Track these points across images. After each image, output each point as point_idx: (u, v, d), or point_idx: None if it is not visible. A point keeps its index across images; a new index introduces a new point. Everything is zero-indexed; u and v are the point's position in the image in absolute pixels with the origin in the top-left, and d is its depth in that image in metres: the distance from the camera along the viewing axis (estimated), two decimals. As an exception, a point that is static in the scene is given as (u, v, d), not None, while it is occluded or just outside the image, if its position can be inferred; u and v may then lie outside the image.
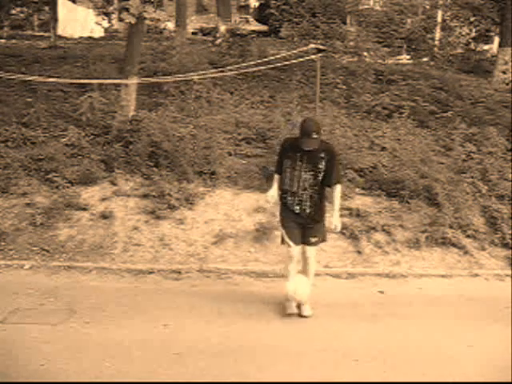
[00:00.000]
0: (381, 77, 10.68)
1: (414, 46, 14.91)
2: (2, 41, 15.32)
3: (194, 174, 7.19)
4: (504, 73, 11.96)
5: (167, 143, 7.38)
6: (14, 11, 17.77)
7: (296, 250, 4.99)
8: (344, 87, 9.90)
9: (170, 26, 16.65)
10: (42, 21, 19.82)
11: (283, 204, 5.02)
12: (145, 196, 6.92)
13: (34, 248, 6.25)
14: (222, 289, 5.65)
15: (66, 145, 7.60)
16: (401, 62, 14.08)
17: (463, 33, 15.76)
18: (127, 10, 7.24)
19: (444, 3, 15.80)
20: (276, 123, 8.21)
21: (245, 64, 9.04)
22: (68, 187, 6.95)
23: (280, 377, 4.09)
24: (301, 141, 4.74)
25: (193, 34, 20.51)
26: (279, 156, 5.06)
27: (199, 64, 10.32)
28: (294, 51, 8.97)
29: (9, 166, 7.14)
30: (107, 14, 16.75)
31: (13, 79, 8.49)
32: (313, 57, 7.80)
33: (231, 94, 9.54)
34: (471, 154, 8.14)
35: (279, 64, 9.10)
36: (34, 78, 8.34)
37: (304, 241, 4.98)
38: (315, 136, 4.66)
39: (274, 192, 5.05)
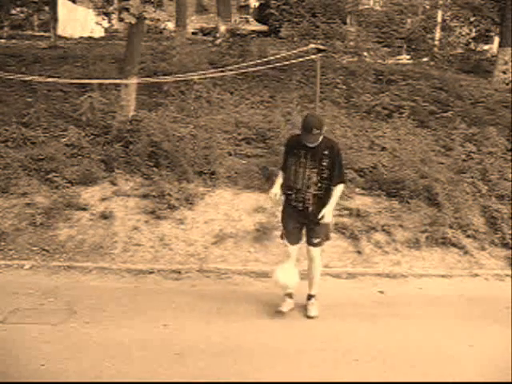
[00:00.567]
0: (381, 77, 10.68)
1: (414, 46, 14.90)
2: (2, 41, 15.32)
3: (194, 174, 7.19)
4: (504, 73, 11.96)
5: (167, 143, 7.38)
6: (14, 11, 17.77)
7: (292, 249, 4.99)
8: (344, 87, 9.90)
9: (170, 25, 16.66)
10: (42, 21, 19.81)
11: (286, 201, 5.01)
12: (145, 196, 6.92)
13: (34, 248, 6.25)
14: (222, 289, 5.65)
15: (66, 145, 7.60)
16: (401, 61, 14.08)
17: (463, 33, 15.76)
18: (127, 9, 7.23)
19: (444, 3, 15.80)
20: (276, 123, 8.21)
21: (245, 64, 9.04)
22: (68, 187, 6.94)
23: (280, 377, 4.09)
24: (302, 137, 4.73)
25: (193, 33, 20.52)
26: (285, 153, 5.04)
27: (199, 64, 10.32)
28: (294, 51, 8.97)
29: (9, 166, 7.13)
30: (107, 14, 16.73)
31: (13, 79, 8.49)
32: (313, 57, 7.80)
33: (231, 93, 9.54)
34: (471, 154, 8.14)
35: (279, 64, 9.11)
36: (34, 78, 8.34)
37: (307, 241, 4.97)
38: (316, 132, 4.64)
39: (277, 189, 4.97)
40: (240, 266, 6.11)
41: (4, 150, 7.41)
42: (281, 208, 5.16)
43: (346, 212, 6.90)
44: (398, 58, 14.52)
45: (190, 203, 6.85)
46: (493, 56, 14.21)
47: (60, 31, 16.86)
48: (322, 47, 8.28)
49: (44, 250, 6.23)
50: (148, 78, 8.46)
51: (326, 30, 12.90)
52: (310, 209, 4.85)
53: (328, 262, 6.27)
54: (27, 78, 8.38)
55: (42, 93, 9.02)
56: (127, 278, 5.82)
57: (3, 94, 9.16)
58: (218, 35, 15.51)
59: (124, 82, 7.91)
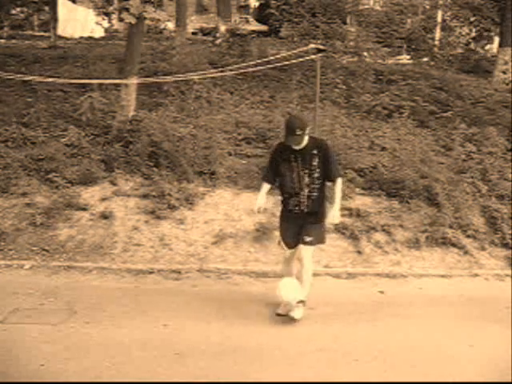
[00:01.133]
0: (381, 77, 10.68)
1: (414, 46, 14.89)
2: (2, 41, 15.31)
3: (194, 173, 7.19)
4: (504, 73, 11.96)
5: (167, 143, 7.39)
6: (14, 11, 17.75)
7: (290, 252, 4.99)
8: (344, 87, 9.90)
9: (170, 25, 16.64)
10: (42, 21, 19.79)
11: (283, 207, 5.01)
12: (145, 196, 6.92)
13: (34, 248, 6.25)
14: (222, 289, 5.65)
15: (66, 145, 7.60)
16: (401, 61, 14.07)
17: (463, 33, 15.75)
18: (127, 9, 7.23)
19: (444, 3, 15.79)
20: (276, 123, 8.21)
21: (245, 64, 9.03)
22: (68, 187, 6.95)
23: (280, 377, 4.09)
24: (286, 139, 4.73)
25: (193, 34, 20.49)
26: (270, 162, 5.00)
27: (199, 64, 10.31)
28: (294, 51, 8.95)
29: (9, 165, 7.14)
30: (107, 14, 16.72)
31: (13, 79, 8.49)
32: (313, 57, 7.79)
33: (231, 93, 9.54)
34: (471, 154, 8.14)
35: (279, 64, 9.10)
36: (34, 77, 8.34)
37: (299, 239, 4.91)
38: (299, 132, 4.63)
39: (261, 201, 4.96)
40: (240, 266, 6.12)
41: (4, 149, 7.42)
42: (279, 212, 5.16)
43: (346, 212, 6.89)
44: (398, 57, 14.51)
45: (190, 203, 6.85)
46: (493, 56, 14.20)
47: (60, 31, 16.85)
48: (322, 47, 8.27)
49: (44, 250, 6.23)
50: (148, 78, 8.46)
51: (326, 30, 12.88)
52: (306, 211, 4.85)
53: (328, 262, 6.27)
54: (27, 78, 8.38)
55: (42, 93, 9.02)
56: (127, 278, 5.83)
57: (3, 94, 9.16)
58: (218, 35, 15.50)
59: (124, 81, 7.90)
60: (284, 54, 9.41)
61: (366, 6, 16.42)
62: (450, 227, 6.77)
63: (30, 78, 8.35)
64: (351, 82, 10.27)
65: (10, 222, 6.53)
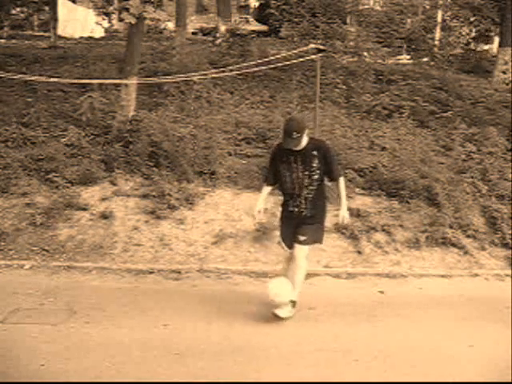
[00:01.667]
0: (381, 77, 10.68)
1: (414, 46, 14.87)
2: (2, 41, 15.32)
3: (194, 174, 7.19)
4: (504, 73, 11.96)
5: (167, 143, 7.39)
6: (14, 11, 17.75)
7: (290, 252, 4.98)
8: (344, 87, 9.90)
9: (170, 25, 16.65)
10: (42, 21, 19.81)
11: (283, 207, 5.02)
12: (145, 196, 6.92)
13: (34, 248, 6.25)
14: (222, 289, 5.65)
15: (66, 145, 7.60)
16: (401, 61, 14.07)
17: (463, 33, 15.74)
18: (127, 9, 7.23)
19: (444, 3, 15.78)
20: (276, 123, 8.21)
21: (245, 64, 9.04)
22: (68, 187, 6.95)
23: (280, 377, 4.08)
24: (283, 141, 4.74)
25: (193, 33, 20.50)
26: (270, 163, 5.00)
27: (199, 64, 10.32)
28: (294, 51, 8.96)
29: (9, 166, 7.14)
30: (107, 14, 16.72)
31: (13, 79, 8.49)
32: (313, 57, 7.79)
33: (231, 93, 9.54)
34: (471, 154, 8.14)
35: (279, 64, 9.10)
36: (34, 78, 8.34)
37: (294, 238, 4.89)
38: (296, 136, 4.61)
39: (260, 205, 4.96)
40: (240, 266, 6.12)
41: (4, 149, 7.42)
42: (279, 213, 5.16)
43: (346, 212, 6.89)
44: (398, 57, 14.51)
45: (190, 203, 6.85)
46: (493, 56, 14.20)
47: (60, 31, 16.85)
48: (321, 47, 8.26)
49: (44, 250, 6.23)
50: (148, 78, 8.46)
51: (326, 30, 12.87)
52: (305, 212, 4.84)
53: (328, 262, 6.27)
54: (27, 78, 8.38)
55: (42, 93, 9.03)
56: (127, 278, 5.82)
57: (3, 94, 9.16)
58: (217, 35, 15.50)
59: (124, 82, 7.90)
60: (284, 54, 9.42)
61: (366, 6, 16.40)
62: (450, 227, 6.77)
63: (30, 78, 8.35)
64: (351, 82, 10.27)
65: (10, 222, 6.53)
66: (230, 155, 7.64)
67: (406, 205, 7.05)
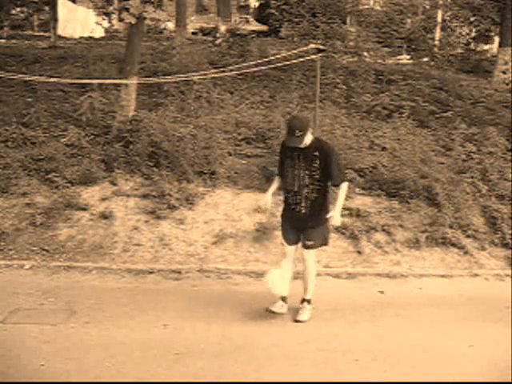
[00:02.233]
0: (381, 77, 10.68)
1: (414, 46, 14.88)
2: (2, 41, 15.31)
3: (194, 174, 7.19)
4: (504, 73, 11.95)
5: (167, 143, 7.38)
6: (14, 11, 17.74)
7: (289, 249, 4.99)
8: (344, 87, 9.90)
9: (170, 25, 16.65)
10: (42, 21, 19.78)
11: (285, 203, 5.03)
12: (145, 196, 6.92)
13: (34, 248, 6.25)
14: (222, 289, 5.65)
15: (66, 145, 7.60)
16: (401, 61, 14.07)
17: (463, 33, 15.75)
18: (127, 9, 7.23)
19: (444, 3, 15.78)
20: (276, 123, 8.21)
21: (245, 64, 9.03)
22: (68, 187, 6.95)
23: (280, 377, 4.09)
24: (286, 139, 4.79)
25: (193, 33, 20.48)
26: (280, 156, 5.07)
27: (199, 64, 10.32)
28: (294, 51, 8.95)
29: (9, 166, 7.14)
30: (107, 14, 16.72)
31: (13, 79, 8.49)
32: (313, 57, 7.79)
33: (231, 93, 9.54)
34: (471, 154, 8.14)
35: (279, 64, 9.10)
36: (34, 78, 8.34)
37: (301, 243, 4.95)
38: (298, 134, 4.63)
39: (269, 196, 5.03)
40: (240, 266, 6.12)
41: (4, 149, 7.42)
42: (281, 208, 5.17)
43: (346, 212, 6.89)
44: (398, 57, 14.50)
45: (190, 203, 6.85)
46: (493, 56, 14.20)
47: (60, 31, 16.84)
48: (322, 47, 8.26)
49: (44, 250, 6.23)
50: (148, 78, 8.46)
51: (326, 30, 12.88)
52: (303, 211, 4.84)
53: (328, 262, 6.27)
54: (27, 78, 8.38)
55: (41, 93, 9.02)
56: (127, 278, 5.83)
57: (3, 94, 9.16)
58: (218, 35, 15.49)
59: (124, 82, 7.90)
60: (284, 54, 9.41)
61: (366, 6, 16.40)
62: (450, 227, 6.77)
63: (30, 78, 8.35)
64: (351, 82, 10.26)
65: (10, 222, 6.53)
66: (230, 155, 7.64)
67: (406, 205, 7.05)
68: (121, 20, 9.67)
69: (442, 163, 7.83)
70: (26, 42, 15.02)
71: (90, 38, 17.17)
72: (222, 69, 9.11)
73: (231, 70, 8.69)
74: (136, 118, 7.86)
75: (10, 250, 6.22)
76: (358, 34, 13.42)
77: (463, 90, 10.50)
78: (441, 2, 15.81)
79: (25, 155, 7.32)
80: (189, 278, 5.87)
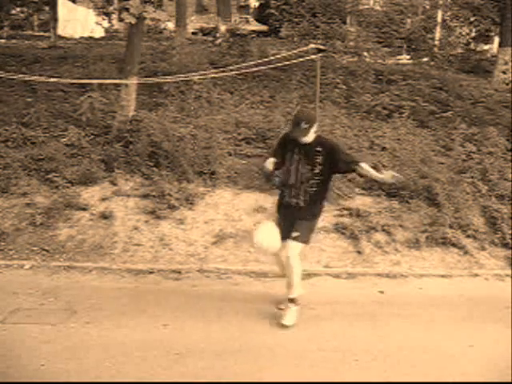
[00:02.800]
0: (381, 77, 10.68)
1: (414, 46, 14.89)
2: (2, 41, 15.31)
3: (194, 174, 7.19)
4: (504, 73, 11.95)
5: (167, 143, 7.39)
6: (14, 11, 17.75)
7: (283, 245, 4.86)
8: (344, 87, 9.90)
9: (170, 25, 16.66)
10: (42, 21, 19.80)
11: (280, 198, 5.00)
12: (145, 196, 6.92)
13: (34, 248, 6.25)
14: (222, 289, 5.65)
15: (66, 145, 7.60)
16: (401, 62, 14.07)
17: (463, 33, 15.75)
18: (127, 9, 7.23)
19: (444, 3, 15.79)
20: (276, 123, 8.21)
21: (245, 64, 9.03)
22: (68, 187, 6.95)
23: (280, 377, 4.09)
24: (291, 131, 4.72)
25: (193, 34, 20.50)
26: (278, 147, 4.99)
27: (199, 64, 10.32)
28: (294, 51, 8.96)
29: (9, 166, 7.14)
30: (107, 14, 16.73)
31: (13, 79, 8.49)
32: (313, 57, 7.80)
33: (231, 93, 9.54)
34: (471, 154, 8.14)
35: (279, 64, 9.10)
36: (34, 78, 8.33)
37: (287, 234, 4.79)
38: (305, 126, 4.60)
39: (270, 166, 4.86)
40: (240, 266, 6.12)
41: (4, 149, 7.42)
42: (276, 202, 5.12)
43: (346, 212, 6.90)
44: (398, 57, 14.51)
45: (190, 203, 6.85)
46: (493, 56, 14.20)
47: (60, 31, 16.85)
48: (322, 47, 8.28)
49: (44, 250, 6.23)
50: (148, 78, 8.46)
51: (326, 30, 12.88)
52: (301, 204, 4.81)
53: (328, 262, 6.27)
54: (27, 78, 8.38)
55: (41, 93, 9.02)
56: (127, 278, 5.83)
57: (3, 93, 9.16)
58: (218, 35, 15.50)
59: (124, 82, 7.90)
60: (284, 54, 9.41)
61: (366, 6, 16.41)
62: (450, 227, 6.77)
63: (30, 78, 8.35)
64: (351, 82, 10.26)
65: (10, 222, 6.53)
66: (230, 155, 7.64)
67: (406, 205, 7.05)
68: (121, 20, 9.68)
69: (442, 163, 7.83)
70: (26, 42, 15.03)
71: (90, 37, 17.18)
72: (221, 69, 9.10)
73: (231, 70, 8.69)
74: (136, 118, 7.86)
75: (10, 249, 6.22)
76: (358, 34, 13.41)
77: (463, 90, 10.50)
78: (441, 2, 15.82)
79: (25, 155, 7.32)
80: (189, 278, 5.87)
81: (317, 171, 4.75)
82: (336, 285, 5.89)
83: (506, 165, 7.92)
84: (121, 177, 7.15)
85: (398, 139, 8.29)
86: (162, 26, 15.45)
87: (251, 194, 7.03)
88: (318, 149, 4.74)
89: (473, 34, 15.69)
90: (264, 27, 20.43)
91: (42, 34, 17.94)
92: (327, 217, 6.81)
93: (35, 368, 4.06)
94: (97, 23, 17.57)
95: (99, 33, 18.25)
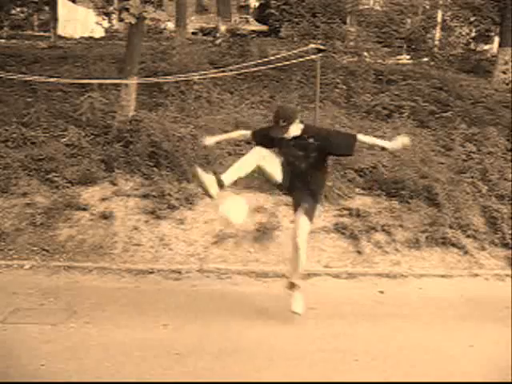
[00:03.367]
0: (381, 77, 10.68)
1: (413, 46, 14.90)
2: (2, 41, 15.31)
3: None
4: (504, 73, 11.95)
5: (167, 143, 7.38)
6: (14, 11, 17.76)
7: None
8: (344, 87, 9.89)
9: (170, 26, 16.68)
10: (42, 21, 19.81)
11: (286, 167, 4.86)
12: (145, 196, 6.92)
13: (34, 248, 6.25)
14: (222, 289, 5.65)
15: (66, 145, 7.60)
16: (401, 62, 14.07)
17: (463, 33, 15.77)
18: (127, 9, 7.24)
19: (444, 3, 15.81)
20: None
21: (245, 64, 9.03)
22: (68, 187, 6.94)
23: (280, 377, 4.09)
24: (271, 129, 4.71)
25: (193, 33, 20.50)
26: (259, 130, 5.11)
27: (199, 64, 10.31)
28: (294, 51, 8.96)
29: (9, 166, 7.13)
30: (107, 14, 16.76)
31: (13, 79, 8.49)
32: (313, 57, 7.80)
33: (231, 93, 9.54)
34: (471, 154, 8.13)
35: (279, 64, 9.10)
36: (34, 78, 8.34)
37: (299, 203, 4.74)
38: (283, 124, 4.57)
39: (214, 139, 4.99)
40: (240, 266, 6.11)
41: (4, 150, 7.41)
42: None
43: (346, 212, 6.90)
44: (398, 57, 14.51)
45: (190, 203, 6.85)
46: (493, 56, 14.20)
47: (60, 31, 16.87)
48: (322, 47, 8.27)
49: (44, 250, 6.23)
50: (148, 78, 8.46)
51: (326, 30, 12.89)
52: (303, 188, 4.76)
53: (328, 262, 6.27)
54: (27, 78, 8.38)
55: (42, 93, 9.02)
56: (127, 278, 5.83)
57: (3, 94, 9.16)
58: (218, 35, 15.51)
59: (124, 81, 7.90)
60: (284, 54, 9.41)
61: (366, 6, 16.44)
62: (450, 227, 6.77)
63: (30, 78, 8.35)
64: (351, 82, 10.26)
65: (10, 222, 6.53)
66: (230, 155, 7.63)
67: (406, 205, 7.05)
68: (121, 20, 9.68)
69: (442, 163, 7.83)
70: (26, 42, 15.02)
71: (90, 37, 17.18)
72: (221, 69, 9.11)
73: (231, 70, 8.69)
74: (136, 118, 7.86)
75: (10, 250, 6.22)
76: (358, 34, 13.43)
77: (463, 90, 10.50)
78: (441, 2, 15.84)
79: (25, 155, 7.32)
80: (189, 278, 5.87)
81: (312, 161, 4.70)
82: (336, 285, 5.89)
83: (506, 165, 7.91)
84: (121, 177, 7.15)
85: (398, 139, 8.28)
86: (162, 25, 15.48)
87: (251, 193, 7.02)
88: (310, 140, 4.69)
89: (473, 34, 15.70)
90: (264, 27, 20.44)
91: (42, 34, 17.95)
92: (327, 217, 6.82)
93: (35, 368, 4.06)
94: (97, 23, 17.59)
95: (99, 33, 18.26)
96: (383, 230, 6.70)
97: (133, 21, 7.33)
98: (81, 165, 7.22)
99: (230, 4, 19.04)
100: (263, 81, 10.42)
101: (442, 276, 6.20)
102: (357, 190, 7.26)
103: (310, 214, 4.69)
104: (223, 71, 8.85)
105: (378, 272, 6.17)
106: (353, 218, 6.82)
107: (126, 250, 6.29)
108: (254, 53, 11.54)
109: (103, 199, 6.87)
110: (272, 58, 9.60)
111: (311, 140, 4.70)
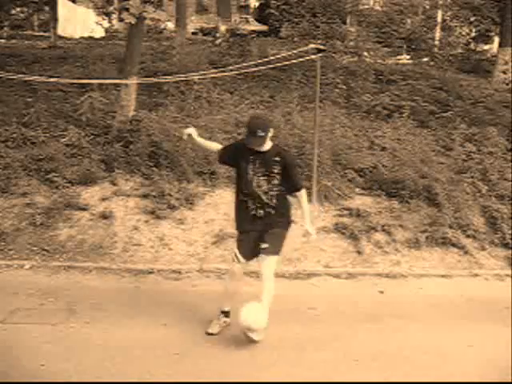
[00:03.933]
0: (381, 77, 10.68)
1: (413, 46, 14.91)
2: (2, 41, 15.33)
3: (194, 174, 7.19)
4: (504, 73, 11.97)
5: (167, 143, 7.38)
6: (14, 11, 17.77)
7: (240, 267, 4.50)
8: (344, 87, 9.90)
9: (170, 25, 16.68)
10: (42, 21, 19.83)
11: (242, 209, 4.51)
12: (145, 196, 6.92)
13: (34, 248, 6.24)
14: (222, 289, 5.64)
15: (66, 145, 7.59)
16: (401, 62, 14.08)
17: (463, 33, 15.78)
18: (127, 9, 7.23)
19: (444, 3, 15.82)
20: (276, 123, 8.19)
21: (245, 64, 9.02)
22: (68, 187, 6.94)
23: (280, 377, 4.09)
24: (246, 139, 4.37)
25: (193, 34, 20.52)
26: (231, 146, 4.69)
27: (199, 64, 10.32)
28: (294, 51, 8.94)
29: (9, 166, 7.13)
30: (107, 14, 16.78)
31: (13, 79, 8.48)
32: (313, 57, 7.78)
33: (231, 93, 9.54)
34: (471, 154, 8.14)
35: (279, 64, 9.09)
36: (34, 78, 8.32)
37: (256, 251, 4.41)
38: (261, 134, 4.28)
39: (192, 131, 4.62)
40: (240, 266, 6.10)
41: (4, 150, 7.41)
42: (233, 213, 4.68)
43: (346, 212, 6.90)
44: (398, 57, 14.52)
45: (190, 203, 6.85)
46: (493, 56, 14.21)
47: (60, 31, 16.86)
48: (322, 47, 8.24)
49: (44, 250, 6.22)
50: (148, 78, 8.46)
51: (326, 30, 12.90)
52: (264, 216, 4.41)
53: (328, 262, 6.27)
54: (27, 78, 8.37)
55: (42, 93, 9.02)
56: (127, 278, 5.82)
57: (3, 94, 9.16)
58: (218, 35, 15.53)
59: (124, 81, 7.90)
60: (284, 54, 9.39)
61: (366, 6, 16.43)
62: (450, 227, 6.77)
63: (30, 78, 8.34)
64: (351, 82, 10.27)
65: (10, 222, 6.52)
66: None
67: (406, 205, 7.05)
68: (121, 20, 9.70)
69: (442, 163, 7.83)
70: (26, 42, 15.05)
71: (90, 38, 17.20)
72: (221, 69, 9.10)
73: (231, 70, 8.68)
74: (136, 118, 7.86)
75: (10, 250, 6.22)
76: (358, 34, 13.44)
77: (463, 90, 10.50)
78: (441, 2, 15.85)
79: (25, 155, 7.32)
80: (189, 278, 5.87)
81: (276, 182, 4.38)
82: (336, 285, 5.89)
83: (506, 165, 7.92)
84: (121, 177, 7.15)
85: (398, 139, 8.30)
86: (162, 25, 15.49)
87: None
88: (276, 158, 4.38)
89: (473, 34, 15.72)
90: (264, 27, 20.46)
91: (42, 34, 17.96)
92: (327, 217, 6.82)
93: (35, 368, 4.05)
94: (97, 23, 17.61)
95: (99, 33, 18.27)
96: (383, 230, 6.70)
97: (133, 21, 7.32)
98: (81, 165, 7.22)
99: (230, 4, 19.03)
100: (263, 81, 10.42)
101: (442, 276, 6.21)
102: (357, 189, 7.26)
103: (277, 247, 4.42)
104: (223, 71, 8.84)
105: (378, 272, 6.18)
106: (353, 218, 6.82)
107: (126, 250, 6.29)
108: (254, 53, 11.55)
109: (103, 199, 6.87)
110: (272, 57, 9.58)
111: (277, 158, 4.39)
